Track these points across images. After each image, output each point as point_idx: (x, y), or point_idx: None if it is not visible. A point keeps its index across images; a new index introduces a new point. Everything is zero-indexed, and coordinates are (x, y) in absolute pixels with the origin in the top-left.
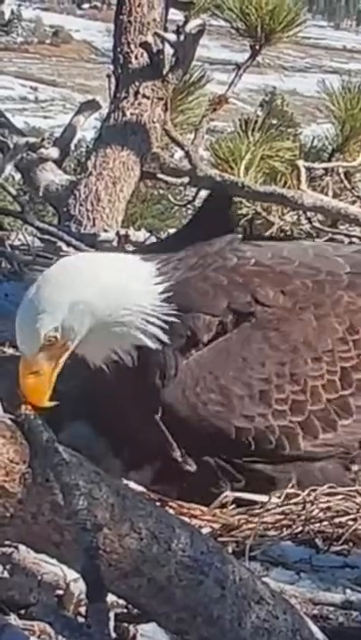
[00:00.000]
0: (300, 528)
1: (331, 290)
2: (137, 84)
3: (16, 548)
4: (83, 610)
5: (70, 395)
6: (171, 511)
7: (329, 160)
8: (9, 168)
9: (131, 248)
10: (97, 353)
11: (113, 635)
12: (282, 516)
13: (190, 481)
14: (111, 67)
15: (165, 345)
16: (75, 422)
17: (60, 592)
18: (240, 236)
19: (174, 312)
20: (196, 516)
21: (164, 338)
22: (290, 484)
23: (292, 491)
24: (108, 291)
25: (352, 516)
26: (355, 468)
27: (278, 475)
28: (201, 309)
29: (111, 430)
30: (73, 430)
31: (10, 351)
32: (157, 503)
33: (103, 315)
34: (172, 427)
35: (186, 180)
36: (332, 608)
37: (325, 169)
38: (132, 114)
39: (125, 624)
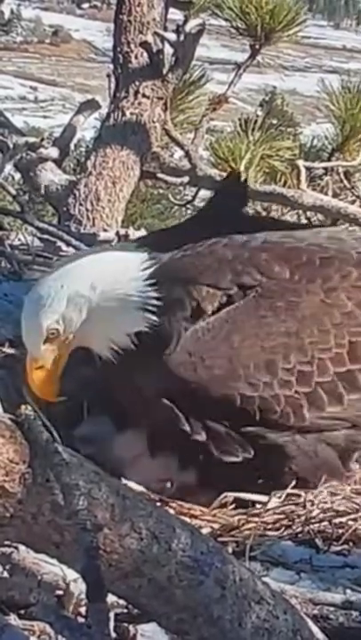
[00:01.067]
0: (300, 528)
1: (340, 265)
2: (137, 83)
3: (16, 548)
4: (83, 610)
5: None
6: (171, 511)
7: (329, 159)
8: (8, 168)
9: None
10: (100, 344)
11: (113, 635)
12: (282, 516)
13: (203, 453)
14: (111, 66)
15: (168, 317)
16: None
17: (60, 592)
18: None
19: (174, 287)
20: (196, 516)
21: (155, 319)
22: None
23: (292, 491)
24: (99, 282)
25: (352, 516)
26: (352, 465)
27: (285, 444)
28: (204, 282)
29: (125, 412)
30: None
31: (9, 351)
32: (157, 503)
33: (97, 304)
34: (178, 394)
35: (186, 179)
36: (332, 608)
37: (325, 168)
38: (131, 113)
39: (125, 624)
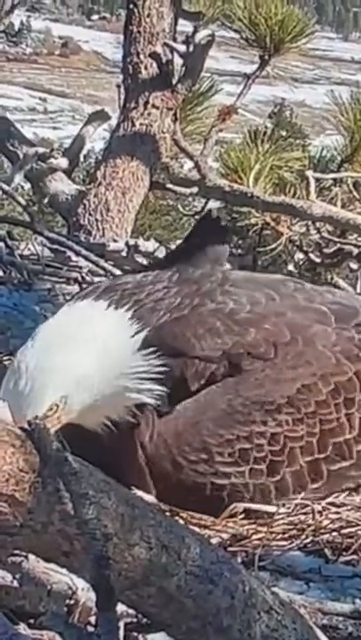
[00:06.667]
0: (309, 538)
1: (321, 346)
2: (146, 94)
3: (26, 557)
4: (92, 619)
5: None
6: (180, 521)
7: (338, 170)
8: (18, 178)
9: (140, 259)
10: (90, 419)
11: None
12: (291, 527)
13: None
14: (120, 77)
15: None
16: None
17: (70, 601)
18: (227, 267)
19: (166, 357)
20: (205, 526)
21: (160, 389)
22: None
23: (301, 501)
24: (104, 359)
25: None
26: None
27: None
28: (198, 354)
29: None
30: None
31: None
32: (167, 513)
33: (101, 383)
34: (151, 476)
35: (195, 190)
36: (341, 618)
37: (334, 179)
38: (141, 124)
39: (135, 633)
